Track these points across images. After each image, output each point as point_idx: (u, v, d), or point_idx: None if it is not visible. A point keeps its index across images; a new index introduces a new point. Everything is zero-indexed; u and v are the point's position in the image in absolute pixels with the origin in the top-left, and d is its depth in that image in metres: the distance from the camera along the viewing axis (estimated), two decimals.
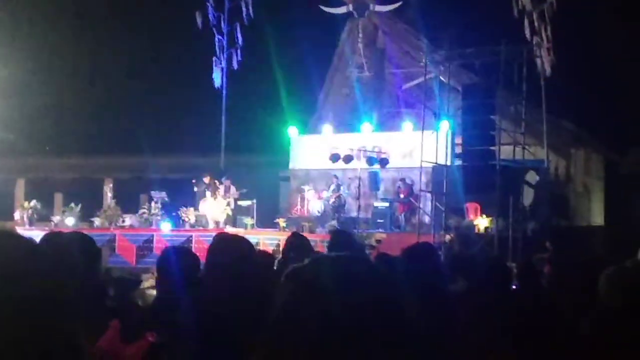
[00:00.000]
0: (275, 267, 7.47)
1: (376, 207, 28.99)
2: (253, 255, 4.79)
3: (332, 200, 29.30)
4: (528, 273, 8.04)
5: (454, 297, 6.32)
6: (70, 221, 26.59)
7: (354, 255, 2.45)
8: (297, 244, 7.47)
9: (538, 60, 26.91)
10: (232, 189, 27.43)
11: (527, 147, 25.52)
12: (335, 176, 29.97)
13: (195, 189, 27.62)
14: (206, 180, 27.36)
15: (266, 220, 27.90)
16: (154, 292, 6.19)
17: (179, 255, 5.25)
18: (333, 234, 8.06)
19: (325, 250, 16.25)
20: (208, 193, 27.14)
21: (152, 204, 27.35)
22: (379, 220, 28.20)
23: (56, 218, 27.81)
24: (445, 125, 27.84)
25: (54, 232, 5.48)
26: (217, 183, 27.41)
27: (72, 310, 2.27)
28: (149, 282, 10.76)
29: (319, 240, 21.50)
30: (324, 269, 2.33)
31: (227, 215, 26.88)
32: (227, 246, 4.65)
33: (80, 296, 2.28)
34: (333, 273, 2.31)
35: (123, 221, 27.00)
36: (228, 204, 26.98)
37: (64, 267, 2.28)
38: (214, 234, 22.03)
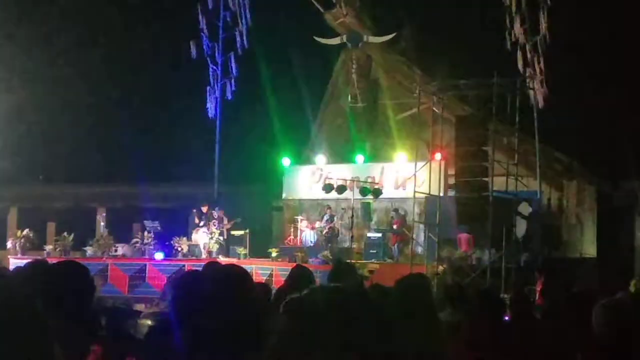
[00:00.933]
0: (273, 296, 7.49)
1: (369, 237, 28.98)
2: (247, 285, 4.78)
3: (325, 230, 29.30)
4: (521, 304, 8.04)
5: (447, 327, 6.32)
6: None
7: (348, 287, 2.48)
8: (298, 274, 7.50)
9: (531, 92, 27.03)
10: (225, 219, 27.48)
11: (520, 178, 25.56)
12: (329, 206, 30.01)
13: (196, 219, 27.63)
14: (204, 209, 27.43)
15: (259, 250, 27.90)
16: (149, 322, 6.19)
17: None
18: (335, 264, 8.08)
19: (319, 282, 16.26)
20: (201, 223, 27.18)
21: (145, 233, 27.36)
22: (372, 251, 28.18)
23: (49, 247, 27.78)
24: (438, 156, 27.91)
25: (38, 260, 5.44)
26: (210, 213, 27.48)
27: (39, 336, 2.27)
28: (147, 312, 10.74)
29: (312, 270, 21.48)
30: (319, 301, 2.36)
31: (220, 244, 26.90)
32: (219, 275, 4.63)
33: (62, 322, 2.29)
34: (328, 304, 2.33)
35: (116, 250, 26.99)
36: (221, 234, 27.00)
37: (43, 294, 2.29)
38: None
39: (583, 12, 28.83)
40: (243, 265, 4.96)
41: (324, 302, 2.45)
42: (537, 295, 17.03)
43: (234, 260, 23.20)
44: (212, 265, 7.25)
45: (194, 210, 28.13)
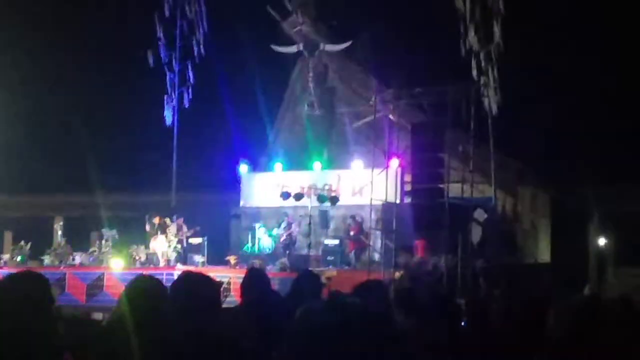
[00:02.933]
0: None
1: (326, 244, 29.08)
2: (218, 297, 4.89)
3: (283, 237, 29.38)
4: (476, 310, 8.18)
5: (404, 333, 6.44)
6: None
7: (375, 310, 2.60)
8: (305, 282, 7.47)
9: (485, 100, 27.27)
10: (184, 227, 27.47)
11: (475, 185, 25.80)
12: (286, 214, 30.09)
13: (147, 227, 27.57)
14: (155, 221, 27.37)
15: (217, 258, 27.92)
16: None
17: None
18: (300, 274, 8.09)
19: (277, 289, 16.33)
20: (156, 232, 27.14)
21: (103, 242, 27.27)
22: (329, 258, 28.26)
23: (5, 256, 27.61)
24: (394, 163, 28.08)
25: None
26: (168, 221, 27.42)
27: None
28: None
29: (270, 277, 21.52)
30: (343, 318, 2.46)
31: (178, 253, 26.88)
32: (196, 287, 4.73)
33: (24, 331, 2.38)
34: (351, 324, 2.44)
35: (73, 259, 26.88)
36: (179, 242, 26.99)
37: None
38: (164, 272, 21.93)
39: (536, 21, 29.22)
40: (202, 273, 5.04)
41: (341, 315, 2.54)
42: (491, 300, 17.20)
43: (191, 268, 23.21)
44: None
45: (146, 217, 28.06)
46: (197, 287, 4.65)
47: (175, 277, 4.95)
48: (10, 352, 2.29)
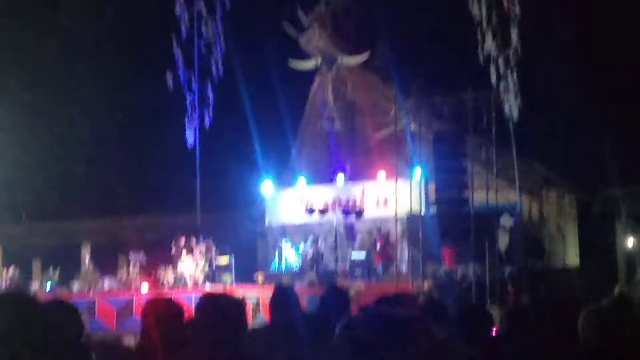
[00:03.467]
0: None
1: (354, 258, 29.04)
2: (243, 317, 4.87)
3: (309, 253, 29.37)
4: (515, 318, 8.08)
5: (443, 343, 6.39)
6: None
7: (407, 315, 2.58)
8: (335, 298, 7.41)
9: (506, 105, 27.20)
10: (213, 248, 27.47)
11: (500, 191, 25.71)
12: (312, 230, 30.09)
13: (173, 250, 27.58)
14: (181, 243, 27.39)
15: (245, 276, 27.92)
16: None
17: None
18: (327, 290, 8.03)
19: (306, 305, 16.30)
20: (182, 254, 27.17)
21: (131, 265, 27.33)
22: (356, 272, 28.21)
23: (35, 284, 27.73)
24: (418, 173, 28.04)
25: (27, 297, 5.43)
26: (194, 242, 27.45)
27: None
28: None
29: (299, 294, 21.51)
30: (378, 328, 2.45)
31: (206, 273, 26.91)
32: (217, 307, 4.72)
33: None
34: (387, 333, 2.43)
35: (103, 284, 26.95)
36: (206, 262, 27.01)
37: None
38: (193, 293, 21.98)
39: (553, 23, 29.13)
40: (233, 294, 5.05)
41: (383, 328, 2.52)
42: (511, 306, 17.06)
43: (220, 288, 23.25)
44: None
45: (173, 246, 28.09)
46: (221, 309, 4.64)
47: None
48: None
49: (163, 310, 5.15)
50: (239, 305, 4.79)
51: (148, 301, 5.45)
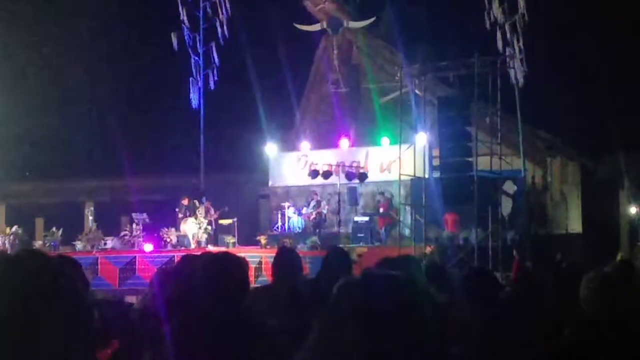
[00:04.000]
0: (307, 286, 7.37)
1: (356, 221, 29.10)
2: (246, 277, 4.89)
3: (312, 216, 29.44)
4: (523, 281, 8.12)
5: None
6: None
7: (405, 276, 2.57)
8: (335, 260, 7.44)
9: (511, 72, 27.14)
10: (212, 210, 27.51)
11: (503, 157, 25.70)
12: (315, 192, 30.13)
13: (179, 213, 27.59)
14: (185, 202, 27.43)
15: (248, 238, 28.01)
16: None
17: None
18: (329, 251, 8.07)
19: (309, 267, 16.36)
20: (187, 214, 27.20)
21: (134, 225, 27.37)
22: (359, 235, 28.30)
23: (38, 243, 27.80)
24: (422, 138, 28.03)
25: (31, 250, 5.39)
26: (197, 203, 27.48)
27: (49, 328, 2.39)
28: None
29: (301, 256, 21.57)
30: (378, 289, 2.45)
31: (209, 234, 26.96)
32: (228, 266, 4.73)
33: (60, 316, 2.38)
34: (387, 294, 2.43)
35: (105, 244, 26.99)
36: (209, 223, 27.05)
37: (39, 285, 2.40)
38: (196, 253, 22.07)
39: None
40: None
41: (382, 290, 2.50)
42: (513, 273, 17.10)
43: (222, 249, 23.29)
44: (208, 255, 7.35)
45: (177, 209, 28.11)
46: (227, 267, 4.65)
47: None
48: (46, 336, 2.28)
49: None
50: (241, 263, 4.81)
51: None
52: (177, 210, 27.73)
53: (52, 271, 2.56)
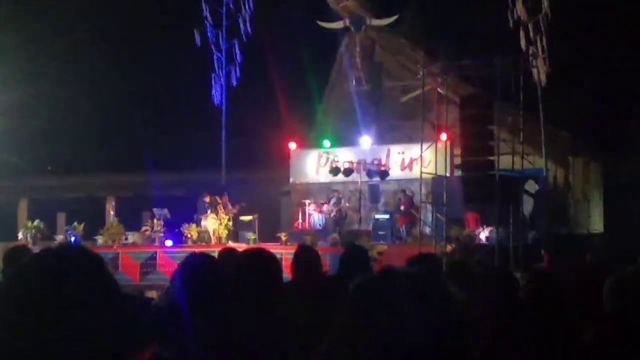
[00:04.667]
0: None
1: (377, 219, 29.04)
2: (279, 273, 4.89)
3: (333, 213, 29.43)
4: (538, 282, 8.08)
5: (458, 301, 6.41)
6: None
7: (426, 274, 2.57)
8: (351, 258, 7.47)
9: (534, 71, 27.05)
10: (229, 205, 27.54)
11: (525, 156, 25.59)
12: (336, 190, 30.13)
13: (198, 207, 27.64)
14: (207, 199, 27.49)
15: (268, 235, 28.01)
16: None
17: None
18: (347, 248, 8.10)
19: (329, 264, 16.36)
20: (208, 211, 27.27)
21: (155, 221, 27.47)
22: (380, 232, 28.23)
23: (59, 237, 27.91)
24: (443, 136, 27.98)
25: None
26: (218, 199, 27.53)
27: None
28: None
29: (321, 253, 21.59)
30: (397, 286, 2.45)
31: (229, 230, 27.01)
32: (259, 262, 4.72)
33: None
34: (405, 291, 2.42)
35: (126, 239, 27.11)
36: (230, 219, 27.10)
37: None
38: (216, 249, 22.11)
39: None
40: None
41: (401, 287, 2.50)
42: (545, 267, 17.08)
43: (243, 246, 23.32)
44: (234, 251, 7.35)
45: (198, 206, 28.17)
46: (264, 262, 4.66)
47: None
48: (77, 335, 2.26)
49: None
50: (276, 261, 4.82)
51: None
52: (198, 206, 27.81)
53: (101, 266, 2.56)
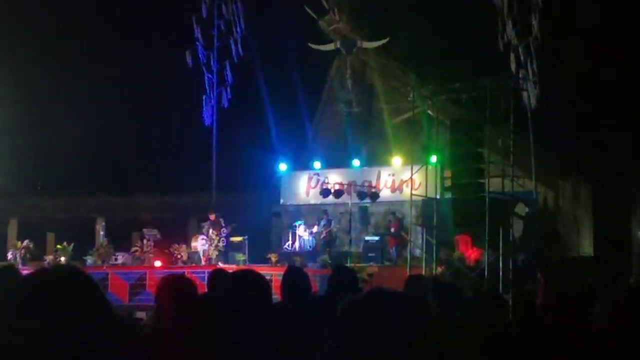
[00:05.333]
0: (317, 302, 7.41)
1: (367, 241, 29.07)
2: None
3: (323, 235, 29.42)
4: (524, 305, 8.11)
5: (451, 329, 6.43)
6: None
7: (410, 295, 2.59)
8: (340, 280, 7.48)
9: (524, 94, 27.15)
10: (222, 222, 27.47)
11: (516, 179, 25.64)
12: (326, 211, 30.12)
13: (207, 226, 27.44)
14: (212, 217, 27.40)
15: (258, 256, 27.96)
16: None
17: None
18: (335, 269, 8.11)
19: (318, 286, 16.35)
20: (198, 230, 27.21)
21: (145, 241, 27.41)
22: (370, 254, 28.26)
23: (49, 257, 27.82)
24: (434, 158, 28.01)
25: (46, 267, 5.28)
26: (222, 221, 27.38)
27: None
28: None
29: (311, 275, 21.55)
30: (384, 306, 2.46)
31: (219, 251, 26.95)
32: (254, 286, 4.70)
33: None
34: (392, 311, 2.44)
35: (115, 259, 27.02)
36: (220, 241, 27.04)
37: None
38: (206, 270, 22.04)
39: (574, 12, 29.01)
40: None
41: (387, 307, 2.51)
42: (540, 295, 17.06)
43: (233, 267, 23.27)
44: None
45: (202, 224, 28.03)
46: (254, 284, 4.65)
47: None
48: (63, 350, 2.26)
49: (183, 286, 5.15)
50: (266, 282, 4.81)
51: (164, 277, 5.45)
52: (202, 225, 27.74)
53: (89, 285, 2.57)
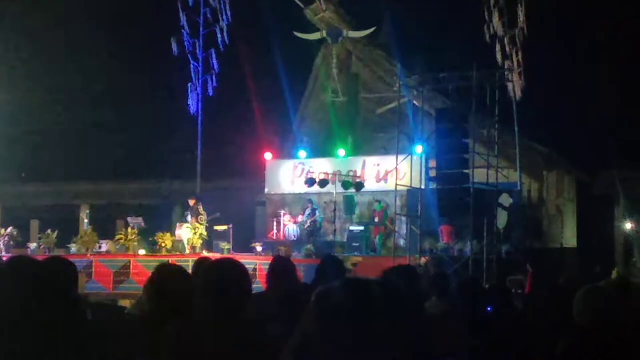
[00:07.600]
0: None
1: (351, 230, 29.04)
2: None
3: (307, 224, 29.41)
4: (500, 294, 8.14)
5: (433, 318, 6.46)
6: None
7: (384, 281, 2.59)
8: (327, 269, 7.49)
9: (509, 85, 27.19)
10: (211, 216, 27.40)
11: (500, 170, 25.71)
12: (310, 200, 30.10)
13: (187, 213, 27.39)
14: (192, 202, 27.32)
15: (242, 245, 27.93)
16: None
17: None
18: (324, 259, 8.12)
19: (303, 275, 16.37)
20: (188, 216, 27.13)
21: (129, 229, 27.33)
22: (354, 244, 28.24)
23: (32, 244, 27.75)
24: (419, 149, 28.02)
25: (20, 256, 5.27)
26: (192, 209, 27.36)
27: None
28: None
29: (296, 264, 21.55)
30: (356, 293, 2.46)
31: (203, 240, 26.91)
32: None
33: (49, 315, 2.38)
34: (363, 298, 2.44)
35: (99, 247, 26.94)
36: (204, 229, 26.98)
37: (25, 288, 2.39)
38: (190, 259, 22.03)
39: (559, 4, 29.08)
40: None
41: (360, 294, 2.52)
42: (527, 285, 17.12)
43: (217, 255, 23.26)
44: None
45: (186, 205, 27.99)
46: (230, 273, 4.66)
47: None
48: (36, 337, 2.29)
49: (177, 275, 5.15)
50: (244, 269, 4.82)
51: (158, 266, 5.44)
52: (171, 214, 27.70)
53: (44, 277, 2.58)
